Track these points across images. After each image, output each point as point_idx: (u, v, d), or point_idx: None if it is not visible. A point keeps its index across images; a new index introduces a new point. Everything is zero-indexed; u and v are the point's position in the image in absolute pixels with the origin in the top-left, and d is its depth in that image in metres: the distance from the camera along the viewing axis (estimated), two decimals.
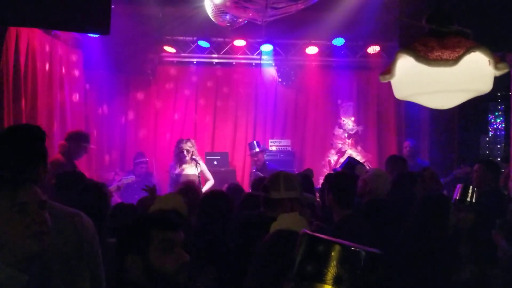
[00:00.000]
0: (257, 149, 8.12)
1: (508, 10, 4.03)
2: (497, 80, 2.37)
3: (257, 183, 5.00)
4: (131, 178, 7.08)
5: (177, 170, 7.35)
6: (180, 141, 7.51)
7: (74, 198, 3.25)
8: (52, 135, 6.84)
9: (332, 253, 1.38)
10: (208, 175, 7.54)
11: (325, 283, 1.37)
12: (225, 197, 3.81)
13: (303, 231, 1.51)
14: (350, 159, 6.22)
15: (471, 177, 5.76)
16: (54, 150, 6.62)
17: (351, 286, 1.38)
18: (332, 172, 4.60)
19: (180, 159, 7.33)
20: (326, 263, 1.38)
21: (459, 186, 3.91)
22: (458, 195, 3.83)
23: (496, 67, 2.25)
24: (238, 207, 4.15)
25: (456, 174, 6.93)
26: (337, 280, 1.37)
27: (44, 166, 2.31)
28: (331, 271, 1.37)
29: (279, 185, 3.07)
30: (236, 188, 5.27)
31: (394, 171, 5.72)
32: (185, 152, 7.24)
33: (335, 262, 1.38)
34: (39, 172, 2.26)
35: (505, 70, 2.24)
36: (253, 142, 8.39)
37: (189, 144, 7.38)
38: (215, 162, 8.54)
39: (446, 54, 2.19)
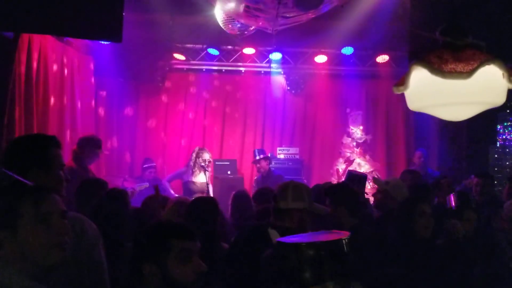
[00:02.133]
0: (258, 157, 8.11)
1: None
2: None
3: (259, 194, 5.01)
4: (144, 186, 7.10)
5: (191, 178, 7.42)
6: (202, 151, 7.58)
7: (95, 205, 3.26)
8: (63, 141, 6.88)
9: (322, 253, 1.45)
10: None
11: (326, 281, 1.44)
12: (210, 202, 3.82)
13: (278, 240, 1.59)
14: (351, 171, 6.21)
15: (474, 190, 5.83)
16: (65, 155, 6.66)
17: (345, 274, 1.47)
18: (335, 185, 4.56)
19: (198, 167, 7.39)
20: (320, 264, 1.45)
21: (452, 196, 3.95)
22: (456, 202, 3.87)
23: (509, 80, 2.26)
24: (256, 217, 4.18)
25: (466, 184, 6.93)
26: (332, 275, 1.45)
27: (41, 170, 2.30)
28: (327, 269, 1.45)
29: (287, 195, 3.07)
30: (242, 195, 5.26)
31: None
32: (207, 162, 7.35)
33: (325, 260, 1.45)
34: (35, 176, 2.25)
35: None
36: (255, 150, 8.42)
37: (209, 154, 7.51)
38: (224, 169, 8.55)
39: (460, 67, 2.20)
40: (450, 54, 2.26)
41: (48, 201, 1.76)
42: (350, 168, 8.71)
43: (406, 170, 6.42)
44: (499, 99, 2.34)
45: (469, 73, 2.18)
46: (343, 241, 1.52)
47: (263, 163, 8.09)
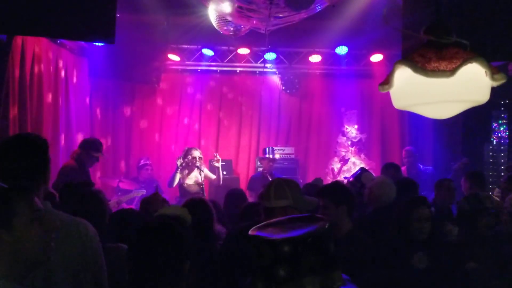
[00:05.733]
0: (269, 156, 8.12)
1: (508, 20, 4.06)
2: (500, 88, 2.39)
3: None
4: (141, 192, 7.11)
5: (185, 179, 7.32)
6: (189, 149, 7.46)
7: (73, 207, 3.29)
8: (57, 143, 6.91)
9: (299, 247, 1.41)
10: (211, 175, 7.53)
11: (303, 277, 1.41)
12: (203, 204, 3.83)
13: (253, 233, 1.52)
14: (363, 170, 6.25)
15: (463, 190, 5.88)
16: (59, 156, 6.69)
17: (322, 266, 1.43)
18: (341, 182, 4.56)
19: (189, 167, 7.28)
20: (296, 260, 1.41)
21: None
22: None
23: (492, 78, 2.27)
24: (239, 216, 4.18)
25: (455, 168, 6.97)
26: (311, 270, 1.41)
27: (48, 173, 2.34)
28: (304, 264, 1.41)
29: (270, 194, 3.08)
30: (234, 194, 5.27)
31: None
32: (197, 159, 7.22)
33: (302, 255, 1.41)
34: (48, 177, 2.31)
35: (502, 81, 2.26)
36: (267, 148, 8.40)
37: (199, 151, 7.39)
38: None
39: (443, 65, 2.22)
40: (433, 52, 2.28)
41: (36, 200, 1.81)
42: (345, 167, 8.75)
43: (387, 164, 6.46)
44: (483, 97, 2.34)
45: (452, 71, 2.19)
46: (322, 230, 1.45)
47: (271, 164, 8.06)
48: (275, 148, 9.08)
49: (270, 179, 7.73)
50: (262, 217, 3.20)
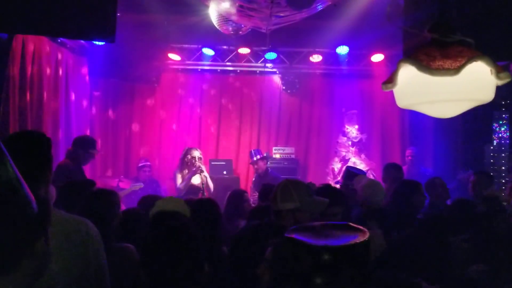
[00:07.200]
0: (257, 157, 8.06)
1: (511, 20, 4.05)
2: (501, 88, 2.38)
3: (264, 192, 4.99)
4: (139, 185, 7.08)
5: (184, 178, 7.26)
6: (189, 149, 7.41)
7: (81, 204, 3.25)
8: (57, 141, 6.89)
9: (339, 257, 1.36)
10: (210, 183, 7.47)
11: None
12: (212, 204, 3.81)
13: (291, 235, 1.46)
14: (349, 168, 6.22)
15: (469, 187, 5.86)
16: (59, 155, 6.67)
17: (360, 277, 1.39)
18: (333, 186, 4.53)
19: (188, 167, 7.21)
20: (334, 270, 1.37)
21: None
22: None
23: (497, 77, 2.26)
24: (249, 216, 4.17)
25: (460, 179, 6.93)
26: (347, 281, 1.37)
27: (51, 172, 2.32)
28: (342, 276, 1.37)
29: (276, 197, 3.06)
30: (235, 195, 5.24)
31: (386, 179, 5.81)
32: (197, 159, 7.15)
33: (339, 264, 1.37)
34: (48, 177, 2.28)
35: (507, 80, 2.25)
36: (251, 151, 8.35)
37: (199, 152, 7.33)
38: (219, 169, 8.53)
39: (448, 64, 2.20)
40: (438, 51, 2.26)
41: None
42: (344, 167, 8.71)
43: (388, 164, 6.45)
44: (488, 96, 2.33)
45: (457, 70, 2.18)
46: (364, 242, 1.40)
47: (261, 164, 8.02)
48: (275, 148, 9.09)
49: (253, 179, 7.77)
50: (271, 217, 3.19)
